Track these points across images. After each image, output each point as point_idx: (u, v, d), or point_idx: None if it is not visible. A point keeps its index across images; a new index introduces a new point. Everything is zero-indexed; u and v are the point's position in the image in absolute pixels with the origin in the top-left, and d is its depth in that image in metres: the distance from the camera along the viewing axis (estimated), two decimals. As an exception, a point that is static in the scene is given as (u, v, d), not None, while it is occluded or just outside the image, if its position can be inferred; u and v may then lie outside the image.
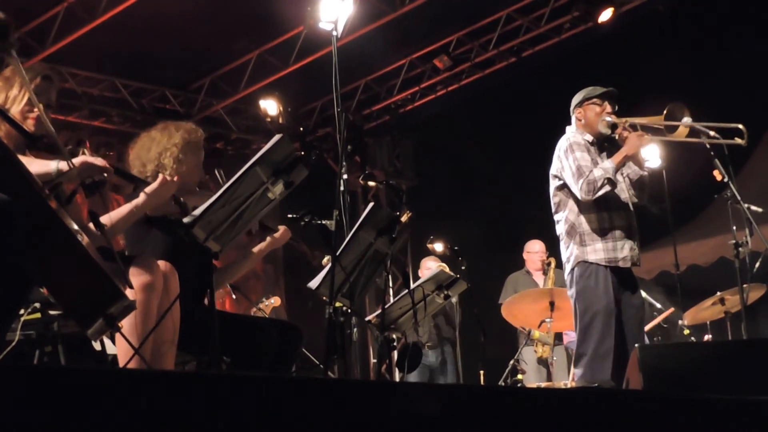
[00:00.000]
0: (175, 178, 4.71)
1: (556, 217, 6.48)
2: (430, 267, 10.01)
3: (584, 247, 6.23)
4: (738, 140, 6.26)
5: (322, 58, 10.62)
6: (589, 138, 6.42)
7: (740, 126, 6.25)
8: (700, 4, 11.34)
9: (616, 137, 6.35)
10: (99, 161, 4.12)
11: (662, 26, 11.71)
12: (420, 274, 10.12)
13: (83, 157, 4.10)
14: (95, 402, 2.06)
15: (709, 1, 11.30)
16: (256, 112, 11.95)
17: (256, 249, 5.52)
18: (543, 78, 12.43)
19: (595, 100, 6.45)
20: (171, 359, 4.46)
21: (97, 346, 4.67)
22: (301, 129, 12.47)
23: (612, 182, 6.14)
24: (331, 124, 12.99)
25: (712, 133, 6.26)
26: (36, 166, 3.79)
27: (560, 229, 6.43)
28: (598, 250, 6.20)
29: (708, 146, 6.35)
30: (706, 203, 11.51)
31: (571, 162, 6.24)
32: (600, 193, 6.14)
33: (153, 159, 5.03)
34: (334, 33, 5.96)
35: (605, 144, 6.47)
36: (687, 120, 6.26)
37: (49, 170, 3.87)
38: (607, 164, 6.18)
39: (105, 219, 4.34)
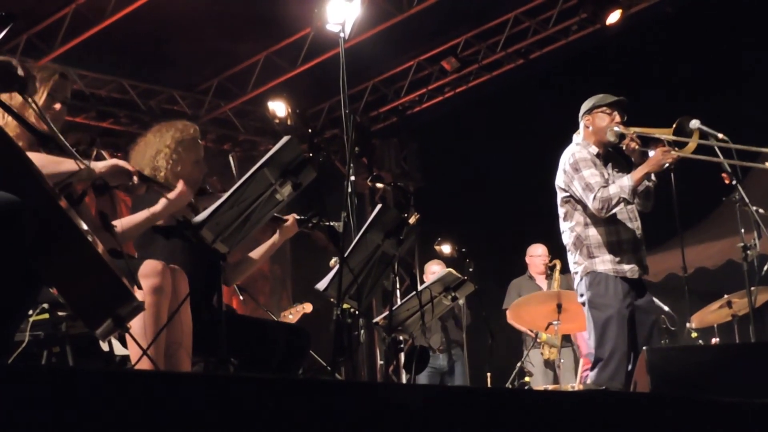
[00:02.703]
0: (181, 187, 4.69)
1: (562, 227, 6.48)
2: (434, 271, 10.03)
3: (592, 259, 6.24)
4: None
5: (330, 59, 10.63)
6: (595, 150, 6.40)
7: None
8: (708, 6, 11.31)
9: (623, 147, 6.34)
10: (128, 165, 4.16)
11: (670, 28, 11.70)
12: (425, 279, 10.12)
13: (114, 161, 4.13)
14: (103, 403, 2.07)
15: (718, 2, 11.28)
16: (264, 114, 11.95)
17: (266, 245, 5.52)
18: (551, 80, 12.43)
19: (604, 108, 6.42)
20: (183, 362, 4.47)
21: (105, 346, 4.68)
22: (309, 130, 12.46)
23: (627, 202, 6.15)
24: (338, 125, 12.96)
25: (720, 135, 6.24)
26: (67, 164, 3.79)
27: (566, 239, 6.43)
28: (606, 262, 6.21)
29: (717, 148, 6.33)
30: (714, 206, 11.50)
31: (579, 180, 6.23)
32: (614, 210, 6.15)
33: (148, 162, 5.01)
34: (342, 35, 5.96)
35: (610, 150, 6.46)
36: (695, 122, 6.25)
37: (80, 171, 3.88)
38: (626, 182, 6.14)
39: (116, 224, 4.35)
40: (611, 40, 11.59)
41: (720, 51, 11.71)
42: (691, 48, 11.72)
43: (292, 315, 8.75)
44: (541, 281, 10.05)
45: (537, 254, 10.15)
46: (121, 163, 4.18)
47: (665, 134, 6.27)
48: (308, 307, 8.88)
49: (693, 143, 6.24)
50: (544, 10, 11.74)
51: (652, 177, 6.40)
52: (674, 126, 6.24)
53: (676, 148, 6.25)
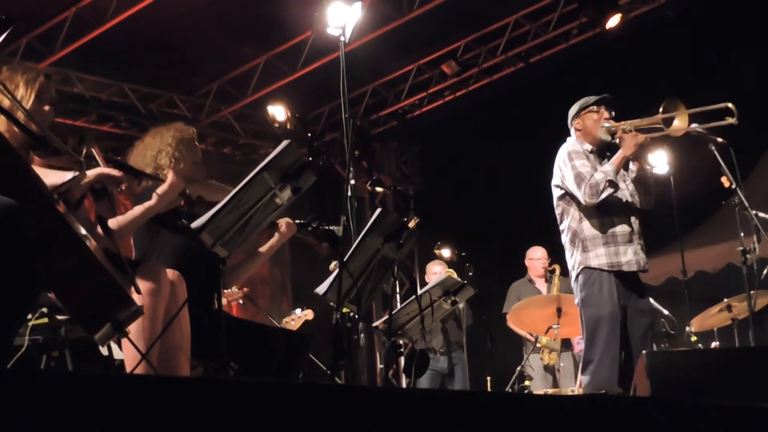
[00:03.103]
0: (171, 178, 4.71)
1: (560, 228, 6.50)
2: (436, 271, 10.01)
3: (587, 253, 6.25)
4: (729, 119, 6.27)
5: (330, 63, 10.61)
6: (589, 147, 6.44)
7: (729, 105, 6.26)
8: (708, 11, 11.32)
9: (617, 142, 6.37)
10: (115, 172, 4.15)
11: (670, 32, 11.71)
12: (426, 279, 10.12)
13: (99, 170, 4.13)
14: (102, 407, 2.06)
15: (718, 7, 11.28)
16: (264, 117, 11.95)
17: (264, 248, 5.53)
18: (550, 84, 12.42)
19: (591, 107, 6.50)
20: (181, 365, 4.46)
21: (104, 351, 4.68)
22: (309, 134, 12.46)
23: (614, 184, 6.16)
24: (338, 129, 12.98)
25: (719, 140, 6.29)
26: (53, 177, 3.78)
27: (564, 238, 6.45)
28: (600, 255, 6.21)
29: (716, 152, 6.37)
30: (713, 209, 11.50)
31: (570, 170, 6.27)
32: (603, 195, 6.16)
33: (149, 163, 5.04)
34: (342, 38, 5.96)
35: (607, 153, 6.48)
36: (695, 126, 6.28)
37: (69, 180, 3.86)
38: (607, 167, 6.22)
39: (113, 222, 4.35)
40: (611, 44, 11.58)
41: (720, 54, 11.72)
42: (692, 51, 11.73)
43: (294, 321, 8.72)
44: (541, 284, 10.05)
45: (536, 257, 10.14)
46: (106, 170, 4.16)
47: (654, 119, 6.30)
48: (310, 314, 8.85)
49: (681, 121, 6.25)
50: (544, 13, 11.76)
51: (647, 166, 6.46)
52: (661, 109, 6.26)
53: (666, 128, 6.29)
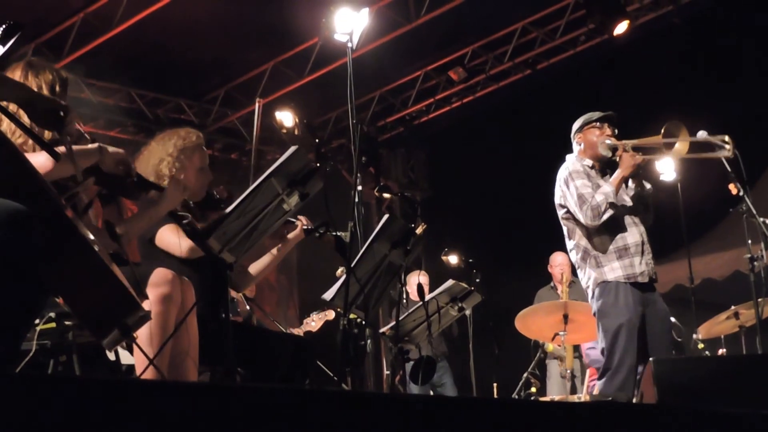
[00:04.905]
0: (182, 176, 4.70)
1: (568, 245, 6.49)
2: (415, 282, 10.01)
3: (601, 268, 6.23)
4: (725, 151, 6.31)
5: (337, 69, 10.64)
6: (589, 163, 6.44)
7: (726, 137, 6.28)
8: (715, 18, 11.32)
9: (617, 159, 6.38)
10: (132, 164, 4.11)
11: (677, 39, 11.70)
12: (407, 289, 10.09)
13: (123, 151, 4.08)
14: (110, 412, 2.07)
15: (725, 14, 11.28)
16: (271, 123, 11.97)
17: (258, 265, 5.48)
18: (558, 90, 12.43)
19: (594, 123, 6.50)
20: (188, 371, 4.46)
21: (111, 356, 4.68)
22: (316, 140, 12.46)
23: (614, 206, 6.16)
24: (345, 135, 13.00)
25: (728, 147, 6.28)
26: (78, 148, 3.73)
27: (574, 256, 6.43)
28: (615, 269, 6.20)
29: (724, 160, 6.37)
30: (721, 217, 11.49)
31: (572, 191, 6.27)
32: (605, 217, 6.16)
33: (152, 170, 4.98)
34: (350, 44, 5.97)
35: (608, 170, 6.48)
36: (702, 133, 6.30)
37: (93, 148, 3.83)
38: (607, 188, 6.21)
39: (119, 226, 4.34)
40: (619, 51, 11.58)
41: (726, 62, 11.72)
42: (698, 58, 11.72)
43: (315, 322, 8.71)
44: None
45: (556, 263, 10.10)
46: (123, 154, 4.12)
47: (655, 141, 6.31)
48: (330, 315, 8.82)
49: (682, 145, 6.28)
50: (551, 20, 11.76)
51: (647, 185, 6.45)
52: (662, 132, 6.28)
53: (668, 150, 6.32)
